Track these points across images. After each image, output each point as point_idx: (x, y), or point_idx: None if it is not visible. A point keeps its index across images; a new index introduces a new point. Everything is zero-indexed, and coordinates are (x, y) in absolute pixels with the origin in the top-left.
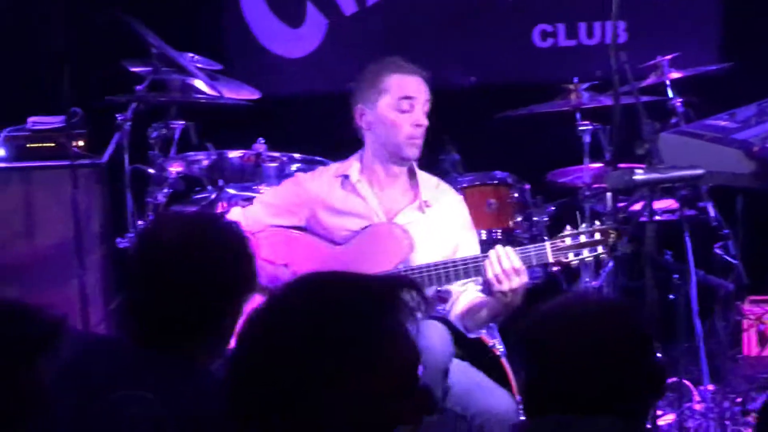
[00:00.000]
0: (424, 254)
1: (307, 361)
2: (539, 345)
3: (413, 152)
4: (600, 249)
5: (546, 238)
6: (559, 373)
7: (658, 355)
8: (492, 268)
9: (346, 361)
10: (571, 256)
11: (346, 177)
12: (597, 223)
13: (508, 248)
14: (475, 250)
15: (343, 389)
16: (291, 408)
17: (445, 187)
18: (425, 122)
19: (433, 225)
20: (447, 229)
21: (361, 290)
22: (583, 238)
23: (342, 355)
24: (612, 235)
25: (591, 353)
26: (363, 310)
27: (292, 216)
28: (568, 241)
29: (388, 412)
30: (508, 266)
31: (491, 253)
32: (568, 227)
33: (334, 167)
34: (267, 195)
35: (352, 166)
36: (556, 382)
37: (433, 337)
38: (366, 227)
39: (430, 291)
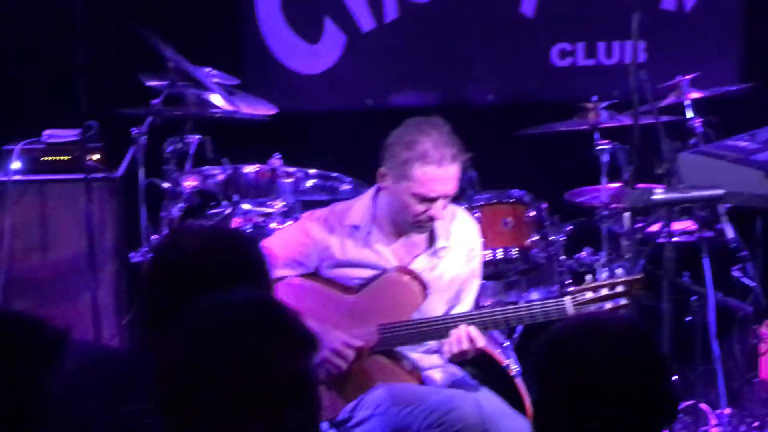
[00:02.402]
0: (435, 299)
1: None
2: (553, 366)
3: (419, 232)
4: (623, 301)
5: (563, 257)
6: (573, 394)
7: (676, 377)
8: (450, 346)
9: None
10: (592, 308)
11: (357, 227)
12: (619, 272)
13: (471, 328)
14: (467, 303)
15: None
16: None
17: (459, 217)
18: (440, 217)
19: (446, 270)
20: (458, 274)
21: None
22: (604, 291)
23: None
24: (635, 286)
25: (605, 375)
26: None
27: (299, 266)
28: (589, 295)
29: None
30: (465, 347)
31: (453, 333)
32: (588, 278)
33: (344, 212)
34: (273, 244)
35: (363, 212)
36: (569, 404)
37: (466, 411)
38: (379, 276)
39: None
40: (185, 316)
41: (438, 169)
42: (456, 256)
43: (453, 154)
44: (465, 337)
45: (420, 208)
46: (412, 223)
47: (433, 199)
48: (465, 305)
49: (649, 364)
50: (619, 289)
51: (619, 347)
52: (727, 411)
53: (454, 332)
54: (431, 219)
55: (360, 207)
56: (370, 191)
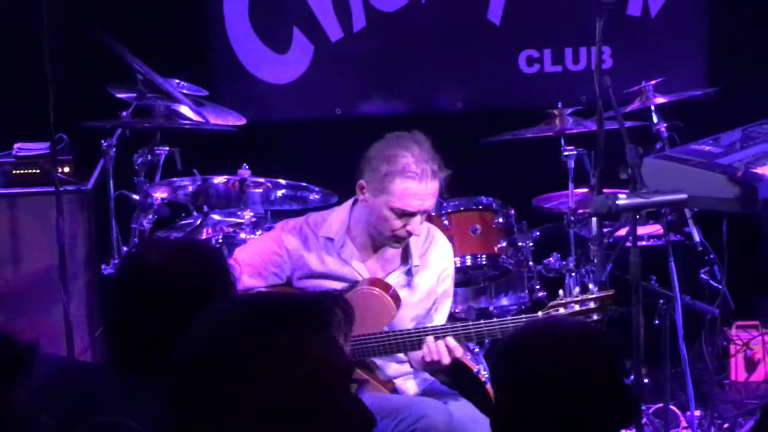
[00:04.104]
0: (404, 315)
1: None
2: (509, 370)
3: (395, 247)
4: (595, 316)
5: (531, 263)
6: (528, 398)
7: (646, 380)
8: (428, 355)
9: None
10: None
11: (331, 240)
12: (591, 287)
13: (449, 338)
14: (441, 320)
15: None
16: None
17: (434, 235)
18: (417, 233)
19: (418, 288)
20: (429, 293)
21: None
22: (577, 307)
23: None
24: (607, 302)
25: (561, 379)
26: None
27: (272, 277)
28: (562, 311)
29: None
30: (444, 359)
31: (429, 341)
32: (561, 293)
33: (318, 223)
34: (245, 253)
35: (339, 225)
36: (524, 408)
37: (437, 418)
38: (353, 287)
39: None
40: (202, 317)
41: (418, 185)
42: (428, 276)
43: (434, 170)
44: (443, 348)
45: (398, 223)
46: (389, 237)
47: (411, 214)
48: (437, 323)
49: (602, 366)
50: (592, 305)
51: (571, 350)
52: (697, 413)
53: (429, 340)
54: (409, 234)
55: (336, 219)
56: (347, 203)
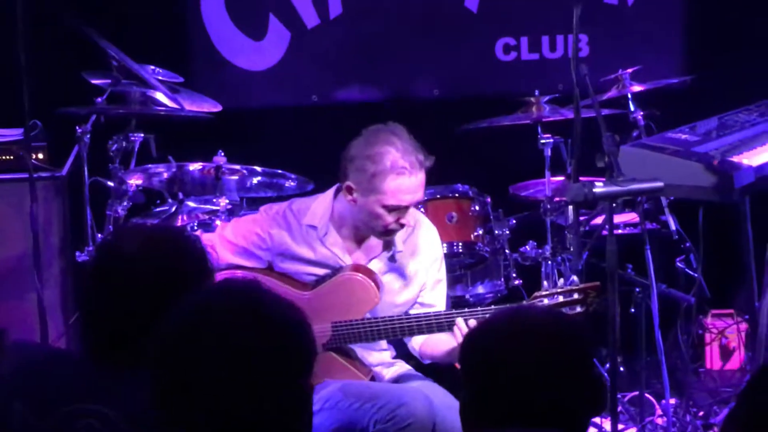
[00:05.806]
0: (387, 302)
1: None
2: (476, 357)
3: (385, 239)
4: (579, 308)
5: (508, 251)
6: (498, 387)
7: (621, 368)
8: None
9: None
10: None
11: (314, 227)
12: (575, 279)
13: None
14: (440, 304)
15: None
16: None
17: (417, 219)
18: (411, 224)
19: (403, 273)
20: (417, 277)
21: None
22: (561, 298)
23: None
24: (591, 294)
25: (529, 366)
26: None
27: (253, 259)
28: (546, 302)
29: None
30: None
31: (459, 321)
32: (545, 284)
33: (301, 211)
34: (229, 231)
35: (321, 214)
36: (494, 397)
37: (416, 405)
38: (336, 273)
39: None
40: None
41: (408, 179)
42: (414, 261)
43: (420, 160)
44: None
45: (391, 218)
46: (381, 231)
47: (405, 208)
48: (438, 309)
49: (573, 354)
50: (576, 296)
51: (538, 337)
52: (672, 401)
53: (460, 322)
54: (401, 226)
55: (318, 208)
56: (329, 192)
